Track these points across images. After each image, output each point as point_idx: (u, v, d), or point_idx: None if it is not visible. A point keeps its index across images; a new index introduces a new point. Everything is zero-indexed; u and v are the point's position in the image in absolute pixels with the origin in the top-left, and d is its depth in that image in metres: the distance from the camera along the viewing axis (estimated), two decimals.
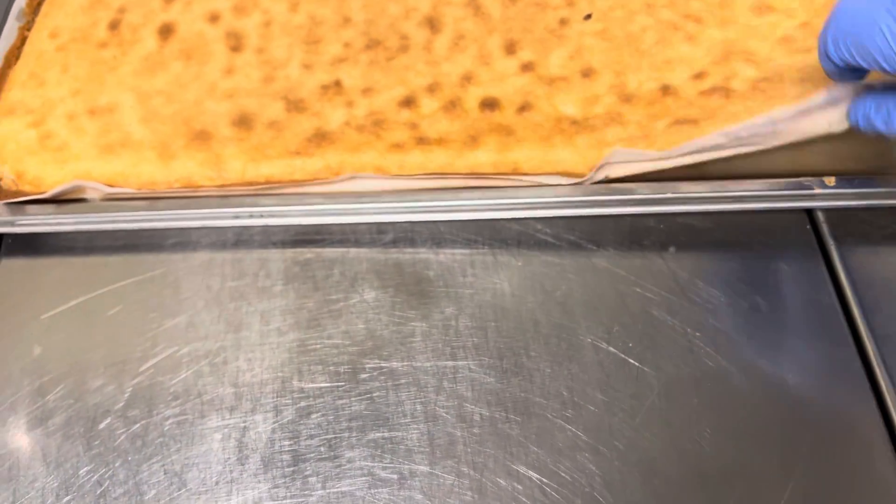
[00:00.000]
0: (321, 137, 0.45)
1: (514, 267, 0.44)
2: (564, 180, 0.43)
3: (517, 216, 0.43)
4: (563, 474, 0.38)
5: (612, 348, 0.41)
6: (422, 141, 0.44)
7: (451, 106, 0.46)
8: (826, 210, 0.43)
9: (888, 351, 0.40)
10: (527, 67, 0.47)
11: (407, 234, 0.45)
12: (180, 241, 0.46)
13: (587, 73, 0.46)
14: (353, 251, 0.45)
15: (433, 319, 0.43)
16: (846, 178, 0.42)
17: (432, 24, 0.49)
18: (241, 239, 0.46)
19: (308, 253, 0.45)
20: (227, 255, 0.45)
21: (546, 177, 0.43)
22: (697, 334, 0.41)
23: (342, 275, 0.45)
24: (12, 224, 0.45)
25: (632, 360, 0.41)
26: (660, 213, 0.43)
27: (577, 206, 0.42)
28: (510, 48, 0.48)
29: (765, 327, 0.41)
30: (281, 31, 0.50)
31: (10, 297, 0.44)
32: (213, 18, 0.51)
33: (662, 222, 0.44)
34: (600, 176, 0.43)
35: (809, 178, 0.42)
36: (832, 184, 0.42)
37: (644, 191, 0.42)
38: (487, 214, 0.43)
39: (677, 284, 0.43)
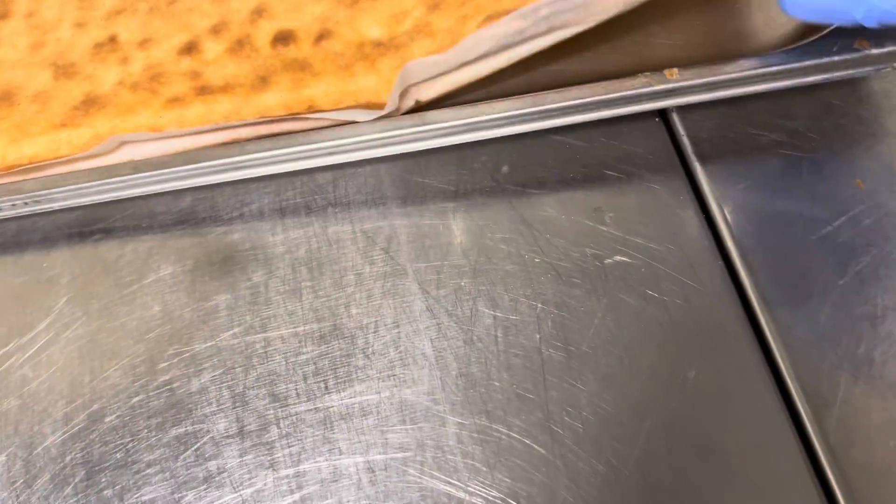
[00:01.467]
0: (90, 103, 0.39)
1: (331, 215, 0.38)
2: (371, 115, 0.36)
3: (305, 166, 0.37)
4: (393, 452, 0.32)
5: (442, 291, 0.35)
6: (204, 90, 0.38)
7: (239, 46, 0.39)
8: (685, 121, 0.37)
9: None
10: None
11: (206, 197, 0.39)
12: None
13: None
14: (146, 223, 0.39)
15: (239, 289, 0.37)
16: (692, 67, 0.36)
17: None
18: (23, 228, 0.40)
19: (97, 234, 0.39)
20: (9, 247, 0.39)
21: (349, 111, 0.37)
22: (549, 275, 0.35)
23: (135, 253, 0.38)
24: None
25: (466, 301, 0.35)
26: (478, 141, 0.37)
27: (376, 146, 0.36)
28: None
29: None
30: None
31: None
32: None
33: (488, 152, 0.38)
34: (409, 104, 0.36)
35: (647, 74, 0.36)
36: (674, 77, 0.36)
37: (450, 117, 0.35)
38: (275, 168, 0.37)
39: (522, 223, 0.37)
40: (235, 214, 0.39)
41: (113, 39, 0.41)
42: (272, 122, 0.37)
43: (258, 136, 0.37)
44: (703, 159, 0.37)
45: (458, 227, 0.38)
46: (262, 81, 0.38)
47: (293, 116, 0.37)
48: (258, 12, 0.40)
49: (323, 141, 0.35)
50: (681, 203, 0.37)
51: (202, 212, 0.38)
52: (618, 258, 0.37)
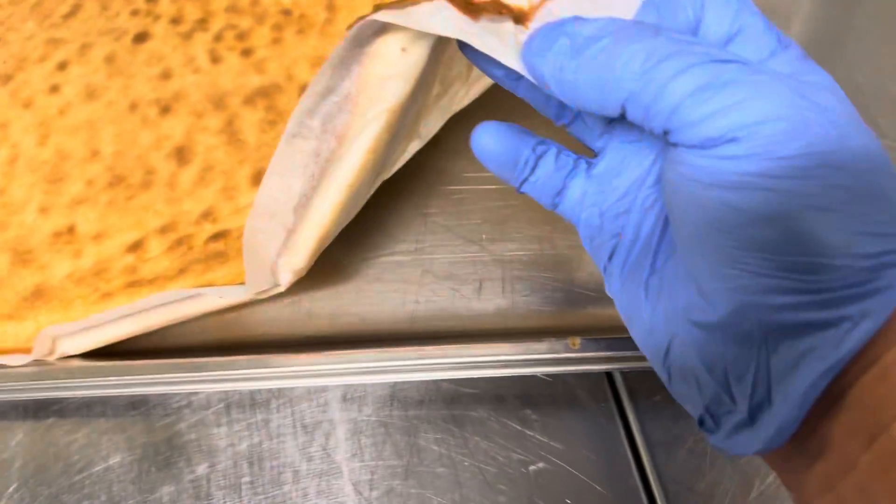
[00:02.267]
0: (38, 295, 0.40)
1: (273, 408, 0.39)
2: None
3: (251, 387, 0.38)
4: None
5: (374, 493, 0.37)
6: (133, 284, 0.40)
7: (178, 244, 0.41)
8: None
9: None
10: None
11: None
12: None
13: None
14: (98, 408, 0.40)
15: (183, 482, 0.38)
16: (592, 338, 0.37)
17: (181, 154, 0.44)
18: None
19: (52, 416, 0.41)
20: None
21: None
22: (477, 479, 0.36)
23: (87, 437, 0.40)
24: None
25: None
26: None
27: (318, 375, 0.37)
28: (258, 178, 0.43)
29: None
30: (25, 168, 0.45)
31: None
32: None
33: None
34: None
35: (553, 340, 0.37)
36: (577, 346, 0.37)
37: (369, 357, 0.37)
38: (221, 386, 0.38)
39: (454, 423, 0.38)
40: (184, 403, 0.40)
41: (71, 230, 0.42)
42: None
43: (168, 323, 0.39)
44: (627, 381, 0.39)
45: (392, 424, 0.39)
46: (181, 273, 0.39)
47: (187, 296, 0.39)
48: (206, 215, 0.42)
49: (268, 366, 0.37)
50: (603, 411, 0.38)
51: (153, 399, 0.40)
52: (541, 465, 0.38)
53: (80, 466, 0.39)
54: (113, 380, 0.38)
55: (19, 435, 0.40)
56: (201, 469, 0.38)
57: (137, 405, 0.40)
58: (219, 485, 0.38)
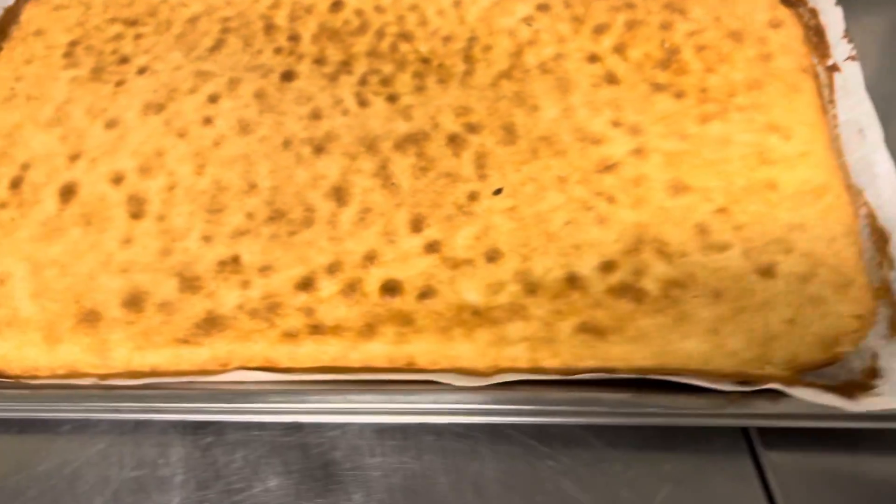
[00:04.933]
0: (211, 323, 0.42)
1: (426, 444, 0.41)
2: (461, 379, 0.40)
3: (408, 422, 0.41)
4: None
5: None
6: (316, 329, 0.42)
7: (350, 290, 0.43)
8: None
9: None
10: (432, 247, 0.44)
11: None
12: (77, 425, 0.42)
13: (492, 257, 0.44)
14: (255, 432, 0.42)
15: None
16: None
17: (339, 194, 0.47)
18: (140, 422, 0.43)
19: (209, 436, 0.43)
20: (127, 441, 0.42)
21: (446, 374, 0.41)
22: None
23: (245, 460, 0.41)
24: None
25: None
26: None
27: (473, 415, 0.40)
28: (417, 225, 0.45)
29: None
30: (184, 196, 0.47)
31: None
32: (117, 180, 0.48)
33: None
34: (498, 380, 0.40)
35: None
36: None
37: (546, 400, 0.39)
38: (376, 419, 0.41)
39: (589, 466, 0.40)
40: (338, 432, 0.42)
41: (236, 260, 0.45)
42: (374, 372, 0.41)
43: (357, 382, 0.41)
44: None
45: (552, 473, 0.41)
46: (369, 329, 0.42)
47: (392, 370, 0.41)
48: (369, 258, 0.44)
49: (421, 402, 0.39)
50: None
51: (308, 426, 0.42)
52: None
53: (239, 487, 0.41)
54: (273, 406, 0.40)
55: (180, 452, 0.42)
56: (358, 497, 0.40)
57: (292, 431, 0.42)
58: None
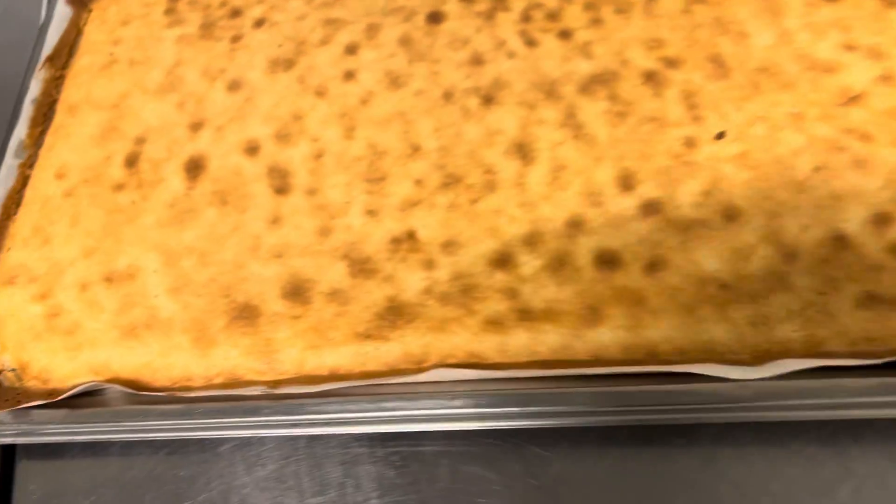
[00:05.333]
0: (397, 313, 0.35)
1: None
2: (723, 370, 0.32)
3: (657, 420, 0.33)
4: None
5: None
6: (525, 315, 0.34)
7: (559, 264, 0.35)
8: None
9: None
10: (651, 208, 0.36)
11: None
12: (239, 444, 0.36)
13: (731, 216, 0.36)
14: (459, 440, 0.35)
15: None
16: None
17: (523, 151, 0.39)
18: (316, 437, 0.36)
19: (403, 448, 0.35)
20: (302, 460, 0.35)
21: (706, 366, 0.33)
22: None
23: (453, 475, 0.34)
24: (21, 434, 0.35)
25: None
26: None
27: (754, 410, 0.32)
28: (626, 182, 0.37)
29: None
30: (336, 164, 0.40)
31: None
32: (252, 150, 0.41)
33: None
34: (770, 373, 0.32)
35: None
36: None
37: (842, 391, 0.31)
38: (616, 419, 0.33)
39: None
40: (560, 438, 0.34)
41: (412, 235, 0.37)
42: (607, 365, 0.33)
43: (583, 375, 0.33)
44: None
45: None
46: (592, 311, 0.34)
47: (630, 362, 0.33)
48: (574, 224, 0.36)
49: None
50: None
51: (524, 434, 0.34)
52: None
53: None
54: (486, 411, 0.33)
55: (370, 470, 0.35)
56: None
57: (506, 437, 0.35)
58: None
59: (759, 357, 0.32)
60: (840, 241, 0.34)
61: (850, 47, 0.40)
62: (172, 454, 0.36)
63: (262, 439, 0.36)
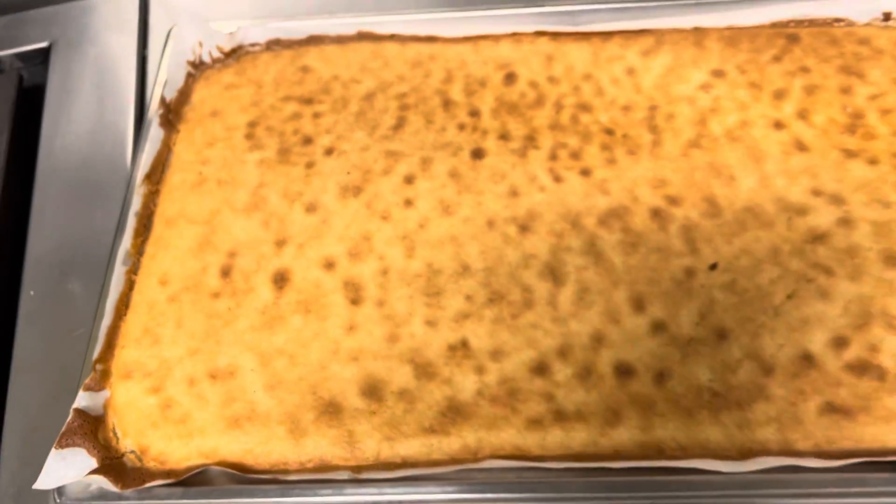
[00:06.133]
0: (455, 412, 0.43)
1: None
2: (712, 464, 0.41)
3: None
4: None
5: None
6: (560, 416, 0.43)
7: (586, 373, 0.44)
8: None
9: None
10: (658, 327, 0.45)
11: None
12: None
13: (722, 334, 0.45)
14: None
15: None
16: None
17: (554, 274, 0.48)
18: None
19: None
20: None
21: (702, 461, 0.41)
22: None
23: None
24: None
25: None
26: None
27: (737, 498, 0.41)
28: (638, 304, 0.46)
29: None
30: (399, 279, 0.49)
31: None
32: (329, 265, 0.50)
33: None
34: (753, 468, 0.41)
35: None
36: None
37: (806, 483, 0.40)
38: None
39: None
40: None
41: (465, 344, 0.46)
42: (625, 460, 0.42)
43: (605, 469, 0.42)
44: None
45: None
46: (613, 414, 0.43)
47: (644, 458, 0.42)
48: (597, 339, 0.45)
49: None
50: None
51: None
52: None
53: None
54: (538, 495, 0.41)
55: None
56: None
57: None
58: None
59: (744, 454, 0.41)
60: (807, 360, 0.43)
61: (816, 192, 0.49)
62: None
63: None
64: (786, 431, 0.41)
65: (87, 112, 0.63)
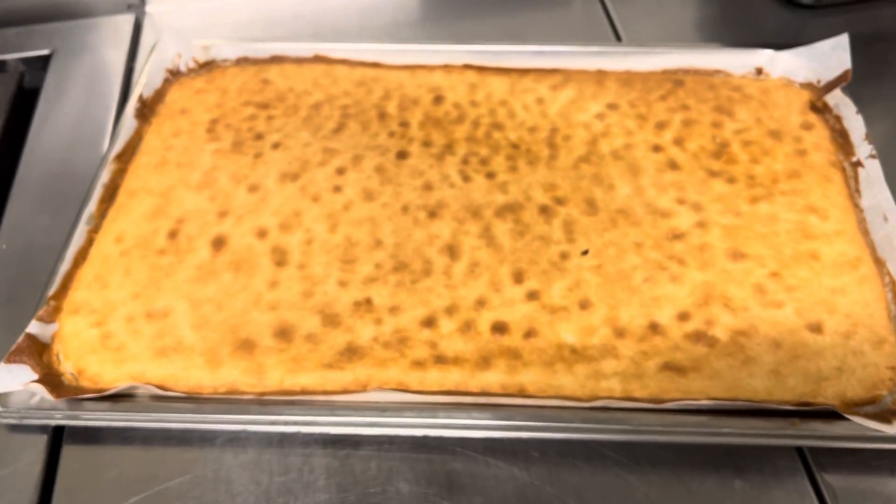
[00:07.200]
0: (352, 352, 0.51)
1: (532, 458, 0.48)
2: (565, 402, 0.48)
3: (522, 437, 0.48)
4: None
5: None
6: (439, 360, 0.50)
7: (466, 328, 0.52)
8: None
9: None
10: (532, 296, 0.53)
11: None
12: (230, 438, 0.49)
13: (584, 305, 0.52)
14: (386, 445, 0.49)
15: None
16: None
17: (452, 251, 0.56)
18: (285, 436, 0.49)
19: (347, 449, 0.49)
20: (274, 452, 0.48)
21: (552, 399, 0.49)
22: None
23: (378, 468, 0.48)
24: (72, 418, 0.49)
25: None
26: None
27: (575, 432, 0.48)
28: (518, 277, 0.54)
29: None
30: (320, 249, 0.57)
31: (72, 497, 0.47)
32: (262, 234, 0.58)
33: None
34: (599, 404, 0.48)
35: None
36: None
37: (636, 422, 0.47)
38: (497, 434, 0.48)
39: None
40: (458, 448, 0.49)
41: (369, 301, 0.53)
42: (490, 395, 0.49)
43: (477, 404, 0.49)
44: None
45: (641, 484, 0.48)
46: (484, 361, 0.50)
47: (506, 394, 0.49)
48: (480, 302, 0.53)
49: (530, 420, 0.47)
50: None
51: (431, 441, 0.49)
52: None
53: (374, 490, 0.48)
54: (406, 420, 0.48)
55: (322, 461, 0.49)
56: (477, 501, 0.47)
57: (420, 445, 0.49)
58: None
59: (591, 398, 0.48)
60: (654, 328, 0.51)
61: (681, 201, 0.58)
62: (182, 442, 0.50)
63: (247, 437, 0.50)
64: (628, 382, 0.48)
65: (75, 107, 0.72)
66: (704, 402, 0.47)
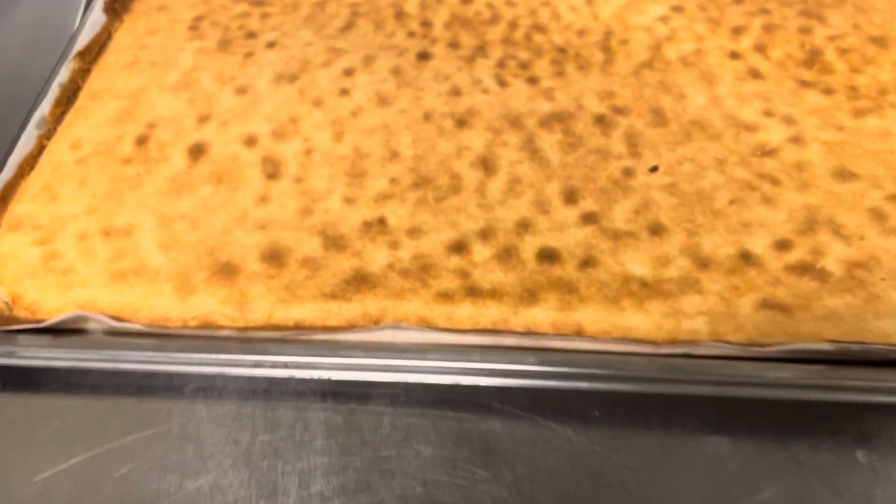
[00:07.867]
0: (361, 280, 0.40)
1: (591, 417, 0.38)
2: (634, 346, 0.37)
3: (580, 387, 0.37)
4: None
5: None
6: (473, 291, 0.39)
7: (506, 255, 0.41)
8: None
9: None
10: (589, 219, 0.42)
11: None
12: (202, 385, 0.39)
13: (656, 231, 0.42)
14: (403, 398, 0.39)
15: (504, 480, 0.36)
16: None
17: (486, 165, 0.45)
18: (273, 383, 0.39)
19: (353, 401, 0.39)
20: (259, 404, 0.38)
21: (622, 342, 0.38)
22: None
23: (393, 426, 0.37)
24: (3, 356, 0.38)
25: None
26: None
27: (649, 383, 0.37)
28: (570, 197, 0.43)
29: None
30: (322, 160, 0.46)
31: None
32: (250, 142, 0.47)
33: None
34: (679, 350, 0.38)
35: None
36: None
37: (729, 372, 0.36)
38: (547, 383, 0.37)
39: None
40: (495, 403, 0.38)
41: (382, 221, 0.42)
42: (538, 337, 0.38)
43: (521, 347, 0.38)
44: None
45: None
46: (530, 295, 0.39)
47: (559, 335, 0.38)
48: (523, 225, 0.42)
49: (595, 368, 0.36)
50: None
51: (460, 394, 0.38)
52: None
53: (387, 454, 0.37)
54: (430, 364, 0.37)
55: (320, 416, 0.38)
56: (522, 469, 0.36)
57: (445, 400, 0.38)
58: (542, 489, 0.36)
59: (670, 342, 0.37)
60: (746, 258, 0.40)
61: (768, 113, 0.47)
62: (140, 390, 0.39)
63: (224, 385, 0.39)
64: (717, 324, 0.37)
65: (36, 3, 0.61)
66: (823, 346, 0.36)
